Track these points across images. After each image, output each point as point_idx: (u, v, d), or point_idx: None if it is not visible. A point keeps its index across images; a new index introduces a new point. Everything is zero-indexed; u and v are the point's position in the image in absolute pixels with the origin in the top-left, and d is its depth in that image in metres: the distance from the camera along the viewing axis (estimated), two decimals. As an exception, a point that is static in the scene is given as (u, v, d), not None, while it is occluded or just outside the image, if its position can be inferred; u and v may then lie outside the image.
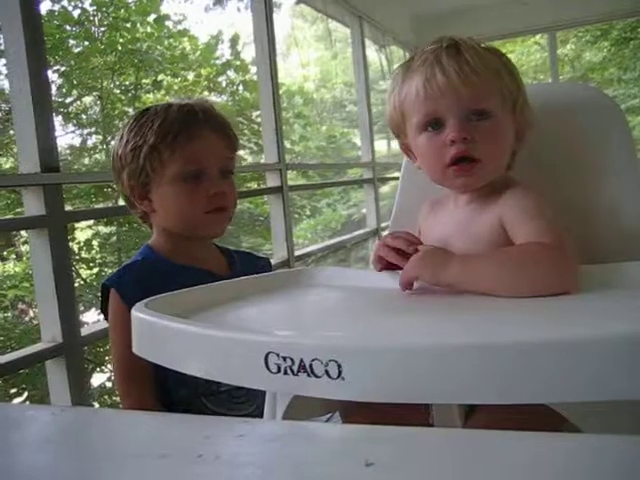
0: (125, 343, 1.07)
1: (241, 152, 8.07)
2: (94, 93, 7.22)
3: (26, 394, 5.25)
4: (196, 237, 1.27)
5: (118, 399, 1.22)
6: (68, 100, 7.05)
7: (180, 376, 1.15)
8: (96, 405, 5.42)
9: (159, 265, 1.22)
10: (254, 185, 6.33)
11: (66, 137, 7.13)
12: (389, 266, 0.97)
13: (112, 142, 6.82)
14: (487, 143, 0.92)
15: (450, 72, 0.90)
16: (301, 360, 0.56)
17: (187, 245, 1.26)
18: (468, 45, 0.92)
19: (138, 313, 0.75)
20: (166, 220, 1.23)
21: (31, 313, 6.30)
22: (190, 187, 1.19)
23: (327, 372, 0.55)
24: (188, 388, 1.17)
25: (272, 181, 3.37)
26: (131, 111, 7.11)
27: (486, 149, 0.92)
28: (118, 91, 7.42)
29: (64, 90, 6.94)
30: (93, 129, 7.33)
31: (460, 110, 0.92)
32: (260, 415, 0.98)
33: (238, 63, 8.50)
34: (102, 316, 1.24)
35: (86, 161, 7.33)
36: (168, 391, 1.18)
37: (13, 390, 5.14)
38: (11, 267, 6.43)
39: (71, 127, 7.18)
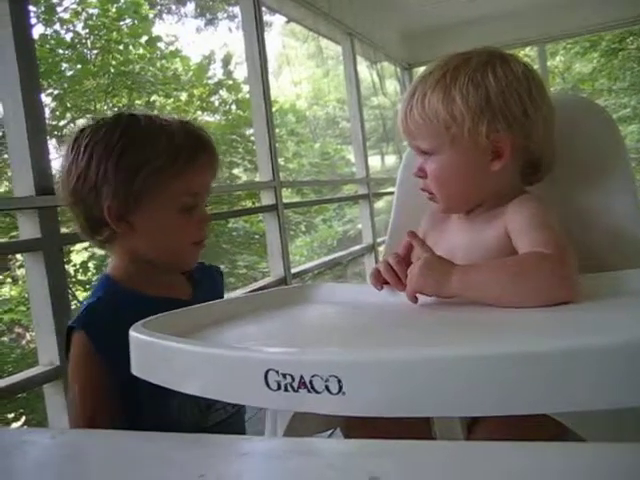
0: (89, 393, 1.01)
1: (235, 170, 8.10)
2: (87, 115, 7.24)
3: (24, 418, 5.21)
4: (172, 267, 1.16)
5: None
6: (62, 123, 7.07)
7: (176, 416, 1.13)
8: (95, 428, 5.36)
9: (125, 298, 1.09)
10: (249, 203, 6.34)
11: (60, 160, 7.14)
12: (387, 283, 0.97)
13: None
14: (432, 179, 0.99)
15: (400, 113, 1.00)
16: (301, 376, 0.56)
17: (154, 272, 1.14)
18: (425, 85, 0.97)
19: (136, 333, 0.74)
20: (147, 246, 1.11)
21: (28, 337, 6.27)
22: (185, 217, 1.10)
23: (327, 388, 0.55)
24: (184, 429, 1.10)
25: (267, 199, 3.36)
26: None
27: (433, 184, 0.99)
28: (111, 113, 7.43)
29: (58, 113, 6.97)
30: (87, 151, 7.33)
31: (411, 146, 1.02)
32: None
33: (230, 82, 8.55)
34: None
35: (81, 183, 7.32)
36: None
37: (11, 415, 5.10)
38: (7, 291, 6.41)
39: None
